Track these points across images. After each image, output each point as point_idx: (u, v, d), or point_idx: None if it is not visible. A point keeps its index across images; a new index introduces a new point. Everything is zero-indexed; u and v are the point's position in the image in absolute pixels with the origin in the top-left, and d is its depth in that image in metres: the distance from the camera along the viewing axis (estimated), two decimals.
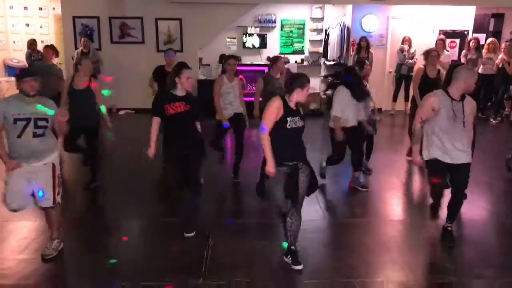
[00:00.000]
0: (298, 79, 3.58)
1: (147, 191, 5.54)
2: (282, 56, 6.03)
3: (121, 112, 10.18)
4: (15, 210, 3.78)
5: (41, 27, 11.68)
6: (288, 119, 3.50)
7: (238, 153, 5.73)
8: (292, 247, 3.66)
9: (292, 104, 3.57)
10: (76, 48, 9.99)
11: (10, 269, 3.67)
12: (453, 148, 3.86)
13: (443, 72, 6.05)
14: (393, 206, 5.15)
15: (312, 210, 4.90)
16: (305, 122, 3.63)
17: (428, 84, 5.86)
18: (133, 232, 4.50)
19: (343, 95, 5.05)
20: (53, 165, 3.78)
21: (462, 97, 3.89)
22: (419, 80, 6.20)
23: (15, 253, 3.95)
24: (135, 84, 9.78)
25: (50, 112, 3.66)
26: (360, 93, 5.09)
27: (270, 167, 3.48)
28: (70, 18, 10.13)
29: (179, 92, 4.07)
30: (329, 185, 5.60)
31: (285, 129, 3.49)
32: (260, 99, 5.86)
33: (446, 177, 3.97)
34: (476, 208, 4.91)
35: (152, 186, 5.75)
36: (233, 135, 5.84)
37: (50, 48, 7.05)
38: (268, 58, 5.97)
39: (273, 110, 3.50)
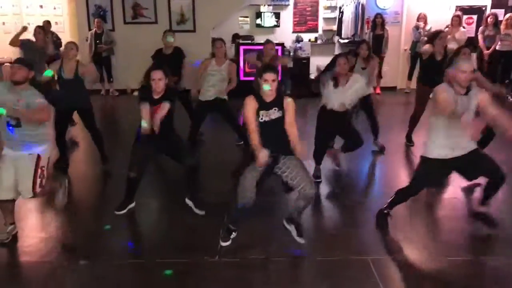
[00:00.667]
0: (256, 72, 3.53)
1: (166, 170, 5.60)
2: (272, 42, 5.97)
3: (136, 93, 10.20)
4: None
5: (54, 8, 11.70)
6: (261, 113, 3.44)
7: (240, 136, 5.85)
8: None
9: (265, 97, 3.46)
10: (90, 29, 10.02)
11: (31, 247, 3.78)
12: None
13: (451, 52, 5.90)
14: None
15: (324, 189, 4.94)
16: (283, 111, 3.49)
17: (432, 66, 5.78)
18: (149, 210, 4.58)
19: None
20: (38, 156, 3.72)
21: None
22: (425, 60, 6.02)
23: (36, 231, 4.06)
24: (149, 64, 9.79)
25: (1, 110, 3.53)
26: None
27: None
28: None
29: (155, 94, 4.05)
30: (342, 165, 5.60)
31: (259, 123, 3.44)
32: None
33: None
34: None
35: (170, 165, 5.79)
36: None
37: (41, 28, 7.02)
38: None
39: (249, 109, 3.45)
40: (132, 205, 4.33)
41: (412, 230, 3.99)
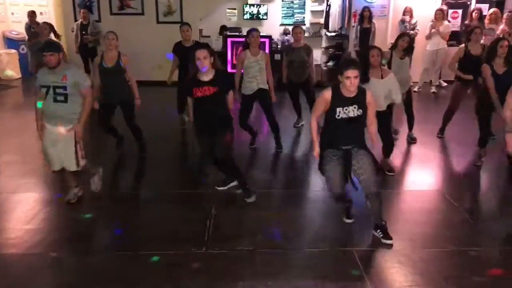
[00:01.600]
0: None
1: (153, 162, 5.61)
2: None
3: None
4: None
5: None
6: (337, 109, 3.56)
7: (274, 131, 5.90)
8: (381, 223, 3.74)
9: (344, 92, 3.55)
10: (75, 20, 9.91)
11: (18, 239, 3.77)
12: None
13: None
14: (396, 177, 5.20)
15: (314, 181, 5.00)
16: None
17: (471, 62, 5.86)
18: (136, 203, 4.60)
19: None
20: (75, 132, 4.14)
21: None
22: (458, 59, 6.08)
23: (22, 223, 4.04)
24: (135, 55, 9.71)
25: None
26: None
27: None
28: None
29: (204, 76, 4.06)
30: None
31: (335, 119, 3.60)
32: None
33: None
34: None
35: (158, 158, 5.80)
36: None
37: (47, 24, 7.20)
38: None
39: (321, 103, 3.65)
40: (234, 182, 4.54)
41: (395, 221, 4.06)
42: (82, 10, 9.61)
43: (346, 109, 3.53)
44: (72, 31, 9.72)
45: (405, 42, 5.66)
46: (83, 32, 9.54)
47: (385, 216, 3.77)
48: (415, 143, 6.19)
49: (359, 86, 3.56)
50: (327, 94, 3.57)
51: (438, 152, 6.01)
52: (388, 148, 5.07)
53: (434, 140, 6.38)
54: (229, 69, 9.79)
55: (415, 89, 9.56)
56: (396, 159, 5.56)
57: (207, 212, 4.16)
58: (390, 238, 3.66)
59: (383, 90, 4.66)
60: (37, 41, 7.21)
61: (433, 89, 9.56)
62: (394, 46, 5.76)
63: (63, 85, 4.05)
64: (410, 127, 6.25)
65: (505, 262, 3.53)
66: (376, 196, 3.61)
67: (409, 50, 5.80)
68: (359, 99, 3.56)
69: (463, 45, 6.20)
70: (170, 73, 6.56)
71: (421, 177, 5.19)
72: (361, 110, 3.57)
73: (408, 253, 3.57)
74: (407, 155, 5.95)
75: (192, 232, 3.86)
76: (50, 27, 7.51)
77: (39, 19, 9.59)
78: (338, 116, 3.54)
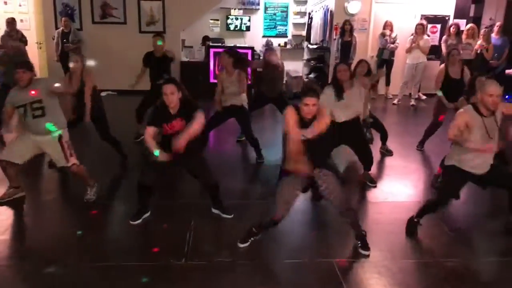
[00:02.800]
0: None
1: (132, 173, 5.55)
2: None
3: (103, 94, 10.07)
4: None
5: (20, 5, 11.40)
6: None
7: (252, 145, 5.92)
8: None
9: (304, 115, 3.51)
10: (56, 28, 9.82)
11: None
12: None
13: (467, 73, 6.11)
14: (375, 189, 5.25)
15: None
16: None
17: (451, 85, 5.99)
18: (114, 214, 4.54)
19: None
20: (59, 135, 4.33)
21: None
22: (440, 81, 6.16)
23: None
24: (117, 65, 9.70)
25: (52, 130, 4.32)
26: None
27: None
28: None
29: (171, 108, 3.93)
30: None
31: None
32: None
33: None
34: None
35: (139, 169, 5.75)
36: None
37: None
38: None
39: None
40: (147, 214, 4.24)
41: (374, 233, 4.09)
42: (63, 18, 9.52)
43: (306, 131, 3.51)
44: (53, 39, 9.63)
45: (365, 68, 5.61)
46: (64, 40, 9.45)
47: (364, 227, 3.80)
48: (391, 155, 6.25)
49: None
50: (294, 111, 3.53)
51: (417, 164, 6.09)
52: (366, 160, 5.12)
53: (413, 152, 6.46)
54: (212, 79, 9.82)
55: (395, 101, 9.71)
56: (375, 171, 5.62)
57: (187, 224, 4.14)
58: (368, 249, 3.69)
59: (355, 99, 4.74)
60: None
61: (412, 102, 9.72)
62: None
63: (38, 99, 4.18)
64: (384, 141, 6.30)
65: (482, 273, 3.59)
66: (348, 211, 3.65)
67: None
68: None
69: (443, 66, 6.31)
70: (136, 78, 6.52)
71: (400, 188, 5.24)
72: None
73: (387, 264, 3.60)
74: (386, 167, 6.01)
75: (171, 244, 3.82)
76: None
77: (19, 26, 9.47)
78: (302, 137, 3.51)
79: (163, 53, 6.43)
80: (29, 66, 4.27)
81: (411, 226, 4.07)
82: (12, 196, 4.52)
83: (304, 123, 3.50)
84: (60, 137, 4.33)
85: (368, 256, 3.67)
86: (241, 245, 3.75)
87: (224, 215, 4.30)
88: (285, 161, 3.57)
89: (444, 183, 4.12)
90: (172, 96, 3.84)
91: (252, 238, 3.77)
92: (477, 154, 3.77)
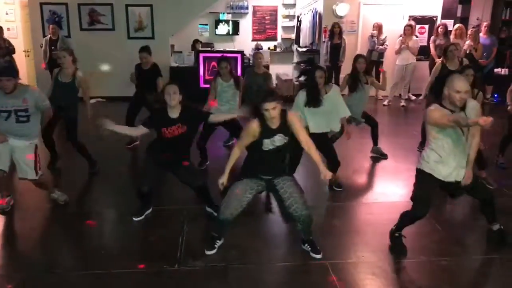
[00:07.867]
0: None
1: (122, 179, 5.51)
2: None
3: (92, 101, 9.99)
4: None
5: (6, 13, 11.33)
6: (265, 141, 3.49)
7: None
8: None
9: (269, 123, 3.47)
10: (44, 36, 9.76)
11: None
12: None
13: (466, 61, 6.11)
14: (366, 189, 5.25)
15: None
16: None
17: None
18: (105, 220, 4.49)
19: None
20: (36, 145, 4.35)
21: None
22: (438, 73, 6.17)
23: None
24: (106, 72, 9.65)
25: None
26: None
27: None
28: (37, 5, 9.90)
29: (172, 112, 4.01)
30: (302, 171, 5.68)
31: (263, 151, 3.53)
32: None
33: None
34: None
35: (130, 175, 5.72)
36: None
37: None
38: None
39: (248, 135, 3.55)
40: (149, 210, 4.40)
41: (366, 233, 4.08)
42: (51, 26, 9.45)
43: (273, 140, 3.50)
44: (41, 47, 9.56)
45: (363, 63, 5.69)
46: (52, 48, 9.37)
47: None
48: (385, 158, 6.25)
49: (282, 111, 3.47)
50: (255, 125, 3.47)
51: (408, 164, 6.09)
52: (332, 163, 4.90)
53: (404, 152, 6.48)
54: (201, 84, 9.80)
55: (385, 103, 9.74)
56: (366, 172, 5.62)
57: (179, 229, 4.10)
58: (319, 252, 3.65)
59: (327, 106, 4.68)
60: None
61: (403, 103, 9.76)
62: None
63: (25, 107, 4.17)
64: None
65: (475, 271, 3.59)
66: (307, 217, 3.56)
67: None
68: (283, 126, 3.51)
69: (439, 61, 6.33)
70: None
71: (392, 189, 5.25)
72: (287, 137, 3.54)
73: (380, 265, 3.59)
74: (377, 168, 6.02)
75: (164, 249, 3.79)
76: None
77: (6, 35, 9.40)
78: (266, 147, 3.50)
79: (151, 65, 6.39)
80: (13, 73, 4.18)
81: (396, 244, 3.81)
82: (10, 204, 4.51)
83: (271, 132, 3.47)
84: (36, 147, 4.33)
85: (320, 259, 3.61)
86: (209, 252, 3.69)
87: (216, 214, 4.27)
88: (245, 168, 3.67)
89: (417, 189, 3.83)
90: (174, 95, 3.95)
91: (216, 244, 3.74)
92: (450, 161, 3.56)
